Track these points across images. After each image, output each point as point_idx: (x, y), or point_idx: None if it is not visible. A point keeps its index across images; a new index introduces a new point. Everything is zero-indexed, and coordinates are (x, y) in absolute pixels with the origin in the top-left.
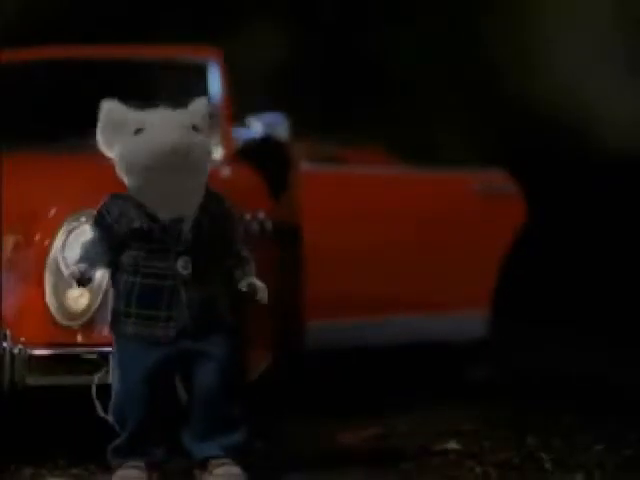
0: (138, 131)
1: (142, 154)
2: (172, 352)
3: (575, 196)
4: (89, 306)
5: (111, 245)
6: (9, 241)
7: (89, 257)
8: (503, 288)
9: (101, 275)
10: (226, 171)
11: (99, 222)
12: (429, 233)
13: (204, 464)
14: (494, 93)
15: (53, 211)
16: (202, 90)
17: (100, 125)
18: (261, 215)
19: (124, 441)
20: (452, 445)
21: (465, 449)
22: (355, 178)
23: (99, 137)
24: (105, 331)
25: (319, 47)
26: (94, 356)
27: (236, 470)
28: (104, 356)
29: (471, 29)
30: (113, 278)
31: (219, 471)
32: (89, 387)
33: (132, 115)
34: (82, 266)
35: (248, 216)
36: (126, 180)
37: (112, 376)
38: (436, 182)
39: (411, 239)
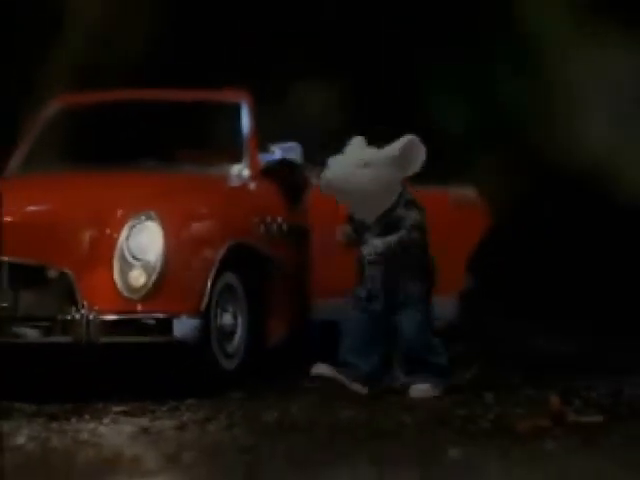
0: None
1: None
2: (382, 310)
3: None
4: (146, 283)
5: None
6: (86, 235)
7: None
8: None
9: (155, 257)
10: (252, 186)
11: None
12: None
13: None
14: (523, 150)
15: (120, 212)
16: (236, 124)
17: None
18: (279, 219)
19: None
20: None
21: None
22: None
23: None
24: (159, 302)
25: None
26: (151, 321)
27: (424, 387)
28: (158, 321)
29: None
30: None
31: (414, 386)
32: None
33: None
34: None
35: (269, 219)
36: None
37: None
38: (420, 195)
39: None
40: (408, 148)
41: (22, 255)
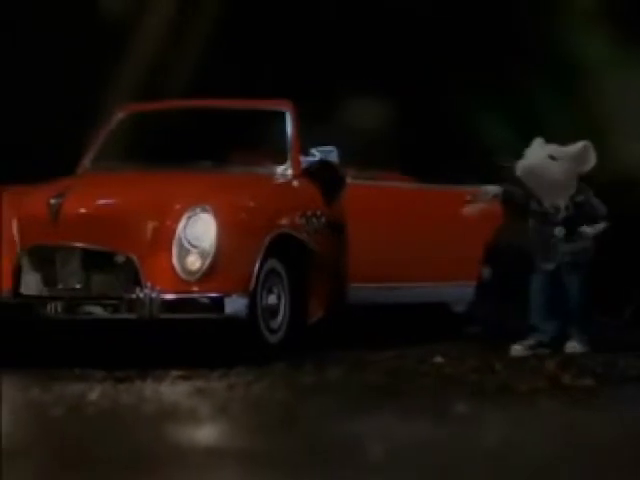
0: None
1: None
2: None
3: None
4: (201, 267)
5: None
6: (149, 225)
7: None
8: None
9: (209, 244)
10: (295, 183)
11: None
12: (436, 227)
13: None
14: None
15: (178, 206)
16: (281, 130)
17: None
18: (318, 213)
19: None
20: (438, 359)
21: (446, 362)
22: (385, 190)
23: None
24: (213, 283)
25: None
26: (205, 300)
27: (574, 345)
28: (212, 300)
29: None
30: None
31: (569, 344)
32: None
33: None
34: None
35: (310, 213)
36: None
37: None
38: (442, 193)
39: (424, 230)
40: (584, 149)
41: (93, 242)
